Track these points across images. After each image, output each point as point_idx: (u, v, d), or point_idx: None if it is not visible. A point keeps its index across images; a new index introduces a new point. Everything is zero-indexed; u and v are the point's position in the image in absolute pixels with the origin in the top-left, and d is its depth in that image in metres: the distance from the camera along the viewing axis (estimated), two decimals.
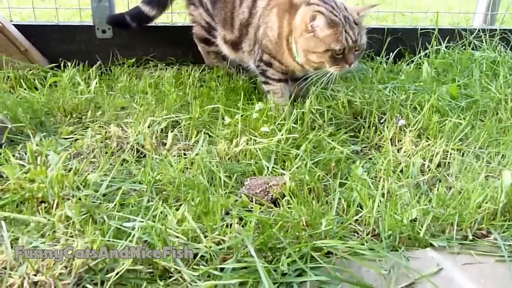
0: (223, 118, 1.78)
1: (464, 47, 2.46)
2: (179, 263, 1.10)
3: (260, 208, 1.33)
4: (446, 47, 2.44)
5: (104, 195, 1.33)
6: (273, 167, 1.53)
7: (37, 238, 1.15)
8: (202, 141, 1.65)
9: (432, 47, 2.41)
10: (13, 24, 2.26)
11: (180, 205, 1.31)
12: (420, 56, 2.39)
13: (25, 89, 2.03)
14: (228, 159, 1.59)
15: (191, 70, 2.27)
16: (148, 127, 1.71)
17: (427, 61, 2.30)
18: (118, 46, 2.35)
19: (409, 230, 1.25)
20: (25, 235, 1.15)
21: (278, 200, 1.38)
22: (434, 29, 2.43)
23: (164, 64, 2.38)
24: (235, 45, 2.01)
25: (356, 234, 1.28)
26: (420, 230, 1.26)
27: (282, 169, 1.51)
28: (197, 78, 2.19)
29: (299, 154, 1.56)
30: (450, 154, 1.63)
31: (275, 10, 1.80)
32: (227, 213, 1.31)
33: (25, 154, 1.53)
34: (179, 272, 1.10)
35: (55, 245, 1.13)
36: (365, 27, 1.78)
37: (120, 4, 2.79)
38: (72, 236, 1.16)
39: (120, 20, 2.26)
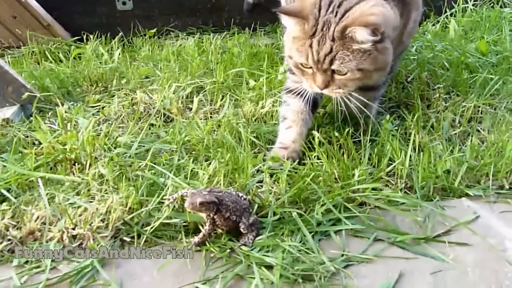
0: (247, 82, 1.77)
1: (492, 5, 2.38)
2: None
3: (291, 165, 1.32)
4: (473, 5, 2.36)
5: (135, 154, 1.34)
6: None
7: (73, 196, 1.17)
8: (228, 104, 1.65)
9: (458, 5, 2.33)
10: None
11: (210, 163, 1.31)
12: (446, 15, 2.32)
13: (50, 62, 2.05)
14: (255, 120, 1.58)
15: (212, 38, 2.25)
16: (173, 92, 1.71)
17: (454, 20, 2.23)
18: (139, 17, 2.35)
19: (443, 180, 1.23)
20: (61, 193, 1.17)
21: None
22: None
23: (185, 34, 2.37)
24: None
25: (388, 187, 1.26)
26: (455, 180, 1.23)
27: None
28: (219, 45, 2.17)
29: (326, 113, 1.54)
30: (481, 109, 1.59)
31: None
32: (257, 170, 1.31)
33: (55, 121, 1.55)
34: None
35: (91, 201, 1.15)
36: (360, 48, 1.19)
37: None
38: (107, 193, 1.17)
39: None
